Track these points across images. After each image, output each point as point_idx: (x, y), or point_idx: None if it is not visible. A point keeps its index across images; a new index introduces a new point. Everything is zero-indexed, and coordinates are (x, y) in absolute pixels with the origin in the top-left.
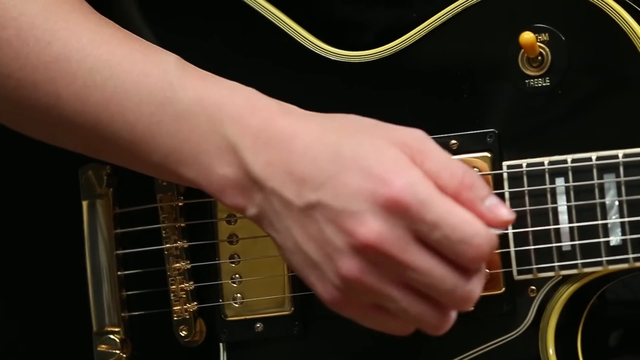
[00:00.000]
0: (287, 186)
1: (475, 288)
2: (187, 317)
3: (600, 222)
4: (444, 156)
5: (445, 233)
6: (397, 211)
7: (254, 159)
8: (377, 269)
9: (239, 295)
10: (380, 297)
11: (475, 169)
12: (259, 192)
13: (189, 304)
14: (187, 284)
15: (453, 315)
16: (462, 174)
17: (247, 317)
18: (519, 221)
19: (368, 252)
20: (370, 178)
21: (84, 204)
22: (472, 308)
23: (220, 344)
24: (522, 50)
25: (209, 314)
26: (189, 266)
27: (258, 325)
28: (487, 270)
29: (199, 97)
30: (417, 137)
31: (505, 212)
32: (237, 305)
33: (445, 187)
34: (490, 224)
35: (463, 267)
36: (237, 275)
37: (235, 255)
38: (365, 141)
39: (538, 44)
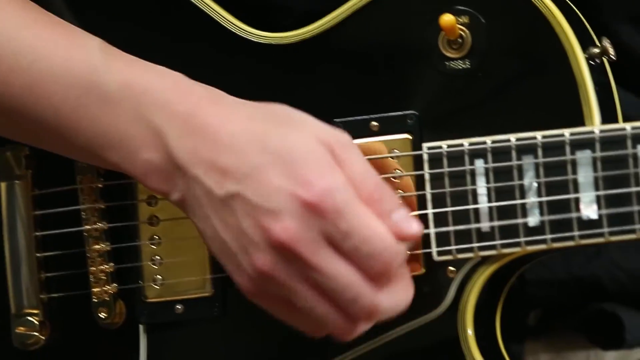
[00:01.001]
0: (209, 175)
1: (382, 301)
2: (107, 298)
3: (518, 202)
4: (363, 164)
5: (355, 244)
6: (314, 214)
7: (179, 145)
8: (288, 266)
9: (159, 276)
10: (288, 292)
11: (396, 151)
12: (181, 178)
13: (109, 286)
14: (106, 266)
15: (362, 325)
16: (375, 185)
17: (168, 298)
18: (439, 202)
19: (281, 250)
20: (292, 177)
21: (2, 185)
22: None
23: (140, 326)
24: (443, 32)
25: (129, 296)
26: (108, 248)
27: (178, 306)
28: (408, 252)
29: (124, 81)
30: (341, 140)
31: (413, 225)
32: (157, 287)
33: (359, 192)
34: (397, 238)
35: (372, 278)
36: (157, 257)
37: (156, 237)
38: (293, 135)
39: (458, 26)
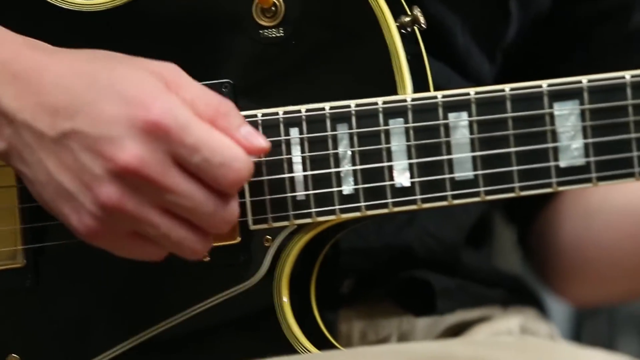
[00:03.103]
0: (39, 118)
1: (234, 210)
2: None
3: (333, 171)
4: (199, 86)
5: (205, 156)
6: (157, 135)
7: (2, 92)
8: (137, 194)
9: None
10: (140, 223)
11: None
12: (8, 126)
13: None
14: None
15: (211, 240)
16: (218, 103)
17: None
18: (255, 171)
19: (128, 177)
20: (127, 103)
21: None
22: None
23: None
24: (256, 0)
25: None
26: None
27: None
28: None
29: None
30: (171, 69)
31: (261, 139)
32: None
33: (201, 114)
34: (247, 151)
35: (221, 191)
36: None
37: None
38: (121, 68)
39: None
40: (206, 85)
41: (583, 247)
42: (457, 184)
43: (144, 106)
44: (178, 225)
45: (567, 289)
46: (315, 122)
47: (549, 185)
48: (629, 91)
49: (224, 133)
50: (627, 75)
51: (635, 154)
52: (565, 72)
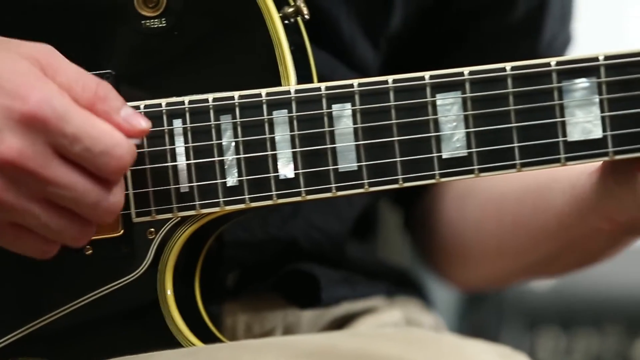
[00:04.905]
0: None
1: (118, 199)
2: None
3: (217, 162)
4: (75, 69)
5: (86, 146)
6: (36, 126)
7: None
8: (16, 186)
9: None
10: (19, 215)
11: None
12: None
13: None
14: None
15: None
16: (96, 86)
17: None
18: (138, 163)
19: (7, 170)
20: (3, 94)
21: None
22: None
23: None
24: None
25: None
26: None
27: None
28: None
29: None
30: (46, 51)
31: (142, 121)
32: None
33: (79, 99)
34: (128, 134)
35: (105, 179)
36: None
37: None
38: None
39: None
40: None
41: (457, 228)
42: (341, 175)
43: (20, 97)
44: (58, 215)
45: (449, 272)
46: (199, 113)
47: (431, 176)
48: (509, 82)
49: (104, 117)
50: (508, 66)
51: (516, 144)
52: (452, 64)
